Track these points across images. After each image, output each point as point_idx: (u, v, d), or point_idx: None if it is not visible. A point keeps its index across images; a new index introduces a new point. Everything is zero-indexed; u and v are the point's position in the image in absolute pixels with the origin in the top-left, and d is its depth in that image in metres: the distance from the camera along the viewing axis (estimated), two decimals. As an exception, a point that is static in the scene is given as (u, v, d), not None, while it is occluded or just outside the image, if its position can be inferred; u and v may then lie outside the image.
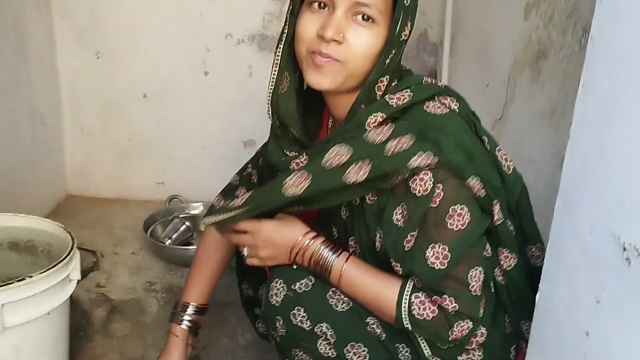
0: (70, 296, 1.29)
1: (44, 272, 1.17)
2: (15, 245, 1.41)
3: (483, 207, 1.07)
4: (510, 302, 1.17)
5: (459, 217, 1.03)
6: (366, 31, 1.03)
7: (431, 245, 1.04)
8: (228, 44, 2.48)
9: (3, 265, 1.42)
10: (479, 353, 1.14)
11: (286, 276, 1.16)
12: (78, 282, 1.31)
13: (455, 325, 1.06)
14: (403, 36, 1.06)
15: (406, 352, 1.14)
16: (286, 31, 1.11)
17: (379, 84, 1.07)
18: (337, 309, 1.13)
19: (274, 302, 1.15)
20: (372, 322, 1.14)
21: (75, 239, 1.32)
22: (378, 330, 1.13)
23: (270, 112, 1.16)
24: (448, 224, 1.03)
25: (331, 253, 1.12)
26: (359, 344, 1.12)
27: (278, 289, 1.15)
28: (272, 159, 1.19)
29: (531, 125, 1.63)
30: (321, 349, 1.14)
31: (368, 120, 1.06)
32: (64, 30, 2.43)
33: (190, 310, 1.38)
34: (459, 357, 1.14)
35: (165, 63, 2.50)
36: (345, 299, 1.14)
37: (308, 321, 1.13)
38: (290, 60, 1.12)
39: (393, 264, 1.09)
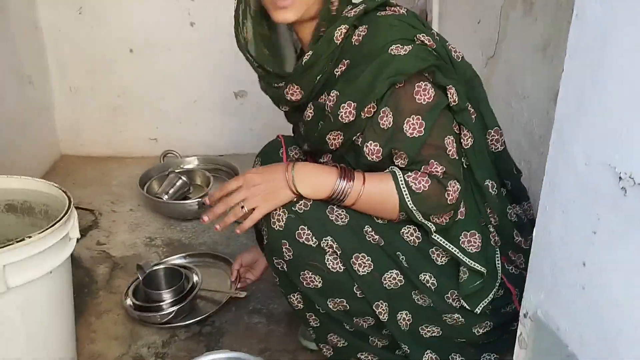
0: (72, 255, 1.29)
1: (42, 231, 1.17)
2: (12, 207, 1.40)
3: (440, 86, 1.20)
4: (468, 181, 1.27)
5: (424, 92, 1.17)
6: None
7: (406, 120, 1.17)
8: (213, -7, 2.42)
9: (2, 227, 1.41)
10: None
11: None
12: (78, 240, 1.31)
13: (448, 185, 1.17)
14: None
15: (402, 259, 1.23)
16: None
17: (332, 1, 1.23)
18: (338, 223, 1.20)
19: (277, 228, 1.20)
20: (370, 230, 1.21)
21: (72, 197, 1.31)
22: (377, 237, 1.21)
23: (246, 58, 1.33)
24: (416, 99, 1.17)
25: (345, 181, 1.19)
26: (362, 254, 1.20)
27: (279, 215, 1.20)
28: (267, 92, 1.37)
29: (524, 61, 1.61)
30: (329, 263, 1.20)
31: (335, 35, 1.21)
32: (42, -15, 2.36)
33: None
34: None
35: (149, 16, 2.44)
36: (343, 213, 1.21)
37: (313, 237, 1.19)
38: (248, 10, 1.30)
39: (372, 145, 1.20)
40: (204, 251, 1.90)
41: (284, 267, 1.23)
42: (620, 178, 0.76)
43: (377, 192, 1.18)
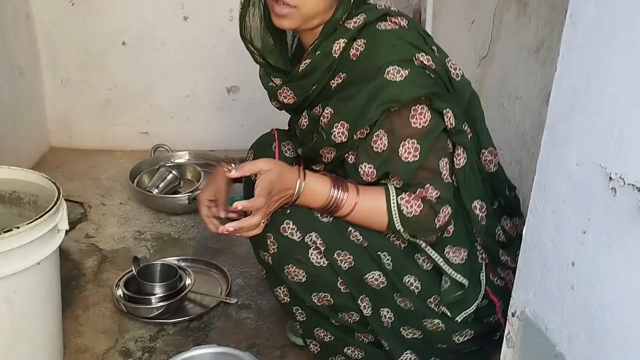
0: (60, 247, 1.28)
1: (31, 222, 1.16)
2: (0, 197, 1.39)
3: (437, 110, 1.18)
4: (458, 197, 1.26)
5: (421, 116, 1.15)
6: None
7: (402, 143, 1.16)
8: (207, -13, 2.42)
9: (-11, 217, 1.41)
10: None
11: None
12: (67, 233, 1.30)
13: (440, 211, 1.17)
14: None
15: (387, 260, 1.23)
16: None
17: (342, 19, 1.20)
18: (323, 220, 1.22)
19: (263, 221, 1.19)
20: (353, 231, 1.22)
21: (61, 189, 1.30)
22: (360, 238, 1.22)
23: (246, 47, 1.30)
24: (412, 123, 1.15)
25: (342, 192, 1.19)
26: (344, 251, 1.21)
27: None
28: (263, 84, 1.35)
29: (517, 62, 1.61)
30: (313, 258, 1.21)
31: (333, 49, 1.20)
32: (35, -24, 2.35)
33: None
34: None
35: (143, 9, 2.43)
36: None
37: (298, 232, 1.20)
38: None
39: (366, 167, 1.19)
40: (198, 257, 1.87)
41: (269, 260, 1.24)
42: (610, 178, 0.77)
43: (368, 209, 1.19)
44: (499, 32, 1.73)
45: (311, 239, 1.20)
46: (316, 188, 1.20)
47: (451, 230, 1.25)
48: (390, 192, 1.18)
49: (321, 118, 1.22)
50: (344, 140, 1.19)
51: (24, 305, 1.22)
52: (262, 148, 1.44)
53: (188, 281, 1.68)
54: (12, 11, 2.24)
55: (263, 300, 1.69)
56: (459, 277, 1.24)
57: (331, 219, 1.22)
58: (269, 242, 1.22)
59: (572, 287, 0.87)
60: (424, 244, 1.23)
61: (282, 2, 1.16)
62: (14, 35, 2.25)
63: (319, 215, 1.21)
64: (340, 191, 1.19)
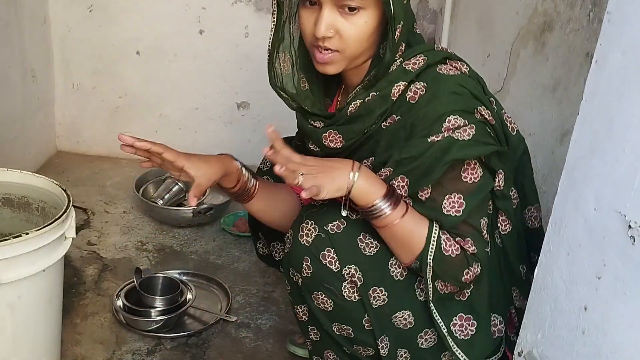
0: (64, 254, 1.28)
1: (40, 229, 1.15)
2: (9, 201, 1.39)
3: (488, 168, 1.15)
4: (499, 264, 1.23)
5: (473, 172, 1.12)
6: (354, 18, 1.09)
7: (447, 196, 1.11)
8: (224, 3, 2.43)
9: (-4, 221, 1.40)
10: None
11: (317, 217, 1.17)
12: (71, 239, 1.30)
13: (472, 265, 1.13)
14: (399, 9, 1.08)
15: (424, 293, 1.18)
16: (275, 20, 1.18)
17: (384, 52, 1.12)
18: (366, 252, 1.16)
19: (303, 242, 1.16)
20: (394, 262, 1.18)
21: (71, 196, 1.30)
22: (398, 271, 1.18)
23: (278, 95, 1.23)
24: (463, 177, 1.11)
25: (388, 206, 1.11)
26: (380, 287, 1.17)
27: (309, 230, 1.16)
28: (301, 127, 1.28)
29: (532, 99, 1.62)
30: (345, 291, 1.17)
31: (392, 92, 1.13)
32: (55, -20, 2.37)
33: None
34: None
35: (159, 20, 2.45)
36: (374, 242, 1.16)
37: (337, 262, 1.15)
38: (287, 42, 1.21)
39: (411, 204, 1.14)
40: (200, 272, 1.86)
41: (299, 281, 1.21)
42: (629, 227, 0.77)
43: (409, 230, 1.12)
44: (514, 67, 1.74)
45: (349, 272, 1.15)
46: (371, 180, 1.11)
47: (467, 294, 1.20)
48: (434, 224, 1.12)
49: (378, 173, 1.14)
50: (403, 195, 1.13)
51: (26, 311, 1.21)
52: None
53: (189, 296, 1.67)
54: (31, 14, 2.26)
55: (263, 319, 1.68)
56: (460, 354, 1.19)
57: (374, 251, 1.16)
58: (304, 265, 1.17)
59: (583, 332, 0.86)
60: (433, 309, 1.18)
61: (323, 48, 1.11)
62: (30, 38, 2.26)
63: (362, 247, 1.16)
64: (389, 200, 1.11)
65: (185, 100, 2.57)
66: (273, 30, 1.19)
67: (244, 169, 1.30)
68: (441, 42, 2.30)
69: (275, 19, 1.19)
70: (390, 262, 1.18)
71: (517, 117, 1.67)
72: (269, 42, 1.20)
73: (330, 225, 1.16)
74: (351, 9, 1.07)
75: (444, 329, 1.19)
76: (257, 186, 1.32)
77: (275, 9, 1.18)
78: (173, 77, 2.53)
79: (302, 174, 1.08)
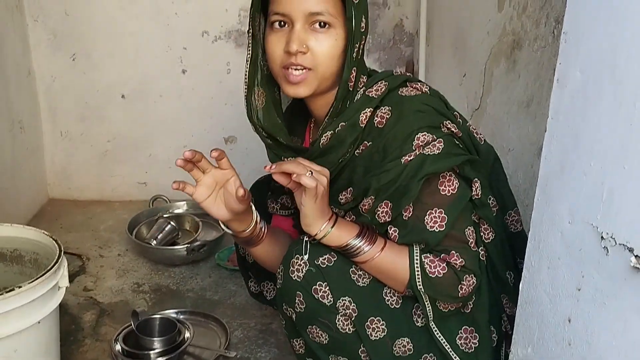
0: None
1: (32, 281, 1.17)
2: (1, 255, 1.40)
3: (464, 179, 1.17)
4: (487, 273, 1.24)
5: (449, 183, 1.14)
6: (325, 36, 1.13)
7: (428, 212, 1.13)
8: (205, 42, 2.48)
9: (-11, 275, 1.42)
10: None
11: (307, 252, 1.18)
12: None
13: (463, 279, 1.14)
14: (361, 30, 1.14)
15: (421, 318, 1.19)
16: (250, 52, 1.21)
17: (351, 77, 1.16)
18: (359, 284, 1.17)
19: (295, 278, 1.16)
20: (388, 291, 1.18)
21: (62, 245, 1.32)
22: (394, 298, 1.19)
23: (254, 129, 1.25)
24: (440, 190, 1.13)
25: (364, 243, 1.15)
26: (377, 317, 1.17)
27: (300, 265, 1.17)
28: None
29: (509, 115, 1.65)
30: (339, 324, 1.17)
31: (360, 119, 1.17)
32: (38, 33, 2.41)
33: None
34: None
35: (142, 63, 2.48)
36: (367, 273, 1.18)
37: (330, 296, 1.16)
38: (259, 76, 1.23)
39: (391, 230, 1.16)
40: (197, 309, 1.86)
41: (293, 316, 1.21)
42: (602, 238, 0.79)
43: (391, 262, 1.14)
44: (490, 86, 1.77)
45: (343, 304, 1.16)
46: (338, 234, 1.15)
47: (470, 306, 1.22)
48: (415, 251, 1.14)
49: (360, 206, 1.18)
50: (388, 219, 1.15)
51: (23, 364, 1.22)
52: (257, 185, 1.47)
53: (187, 335, 1.68)
54: (15, 67, 2.29)
55: (262, 352, 1.68)
56: None
57: (367, 282, 1.17)
58: (297, 300, 1.17)
59: (569, 343, 0.88)
60: (434, 328, 1.19)
61: (295, 67, 1.13)
62: (16, 90, 2.29)
63: (355, 279, 1.17)
64: (362, 241, 1.14)
65: (173, 138, 2.60)
66: (249, 62, 1.22)
67: (258, 217, 1.25)
68: (419, 64, 2.35)
69: (250, 51, 1.21)
70: (385, 291, 1.19)
71: (496, 133, 1.70)
72: (245, 75, 1.22)
73: (320, 259, 1.17)
74: (322, 25, 1.12)
75: (447, 346, 1.20)
76: (265, 233, 1.29)
77: (251, 40, 1.21)
78: (159, 117, 2.56)
79: (310, 172, 1.10)
